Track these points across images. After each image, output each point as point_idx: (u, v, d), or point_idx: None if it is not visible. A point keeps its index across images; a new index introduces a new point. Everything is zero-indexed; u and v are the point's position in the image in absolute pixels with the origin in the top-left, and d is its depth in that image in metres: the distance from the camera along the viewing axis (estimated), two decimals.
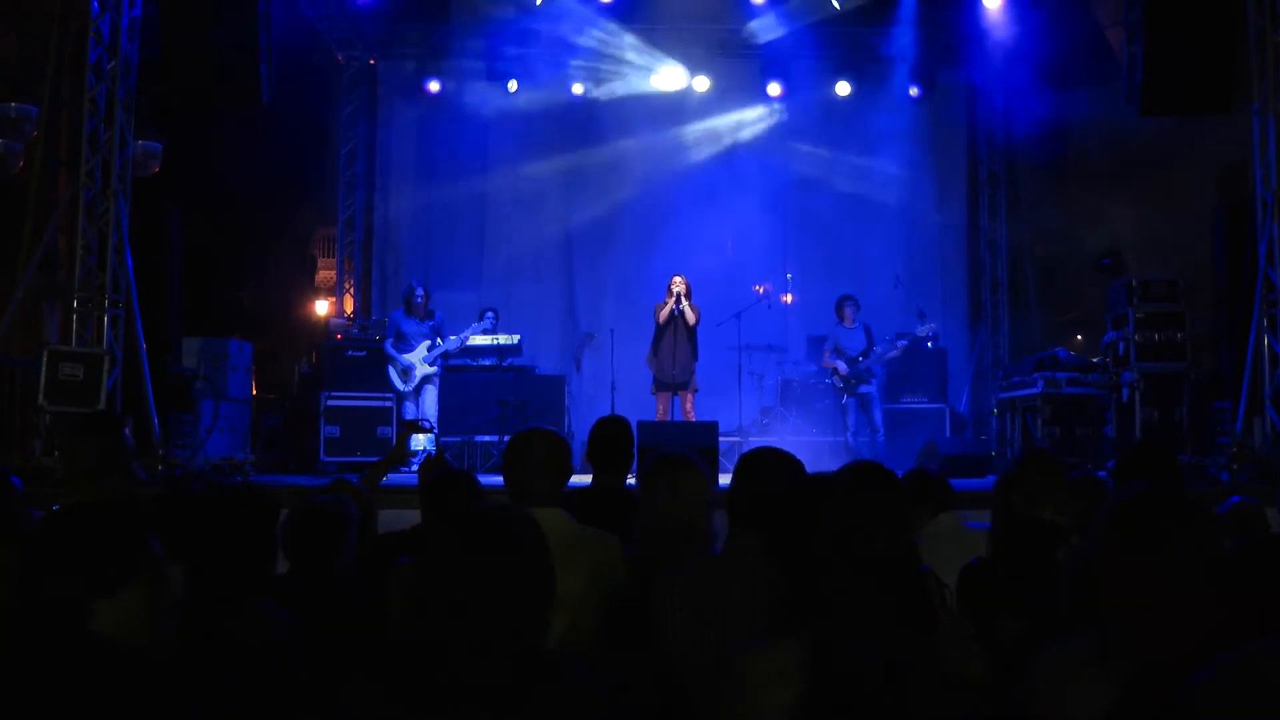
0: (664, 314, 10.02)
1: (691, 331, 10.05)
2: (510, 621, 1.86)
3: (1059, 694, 2.02)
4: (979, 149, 13.64)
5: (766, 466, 2.94)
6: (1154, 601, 1.92)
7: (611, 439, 4.46)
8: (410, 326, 10.22)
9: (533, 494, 3.30)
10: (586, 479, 4.51)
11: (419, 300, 10.26)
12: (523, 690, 1.86)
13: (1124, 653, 1.91)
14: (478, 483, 3.97)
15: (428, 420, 9.66)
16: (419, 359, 10.16)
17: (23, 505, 3.44)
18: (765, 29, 12.29)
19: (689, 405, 10.04)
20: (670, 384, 10.00)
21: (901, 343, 10.39)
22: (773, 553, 2.43)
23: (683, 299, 9.99)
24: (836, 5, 11.69)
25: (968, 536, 4.04)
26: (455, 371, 10.82)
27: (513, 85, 12.78)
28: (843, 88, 12.62)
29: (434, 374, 10.26)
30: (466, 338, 10.39)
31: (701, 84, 12.93)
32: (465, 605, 1.85)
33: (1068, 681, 2.01)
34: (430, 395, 10.25)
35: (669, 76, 12.88)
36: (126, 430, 3.67)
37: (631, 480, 4.40)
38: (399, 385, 10.19)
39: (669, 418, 9.90)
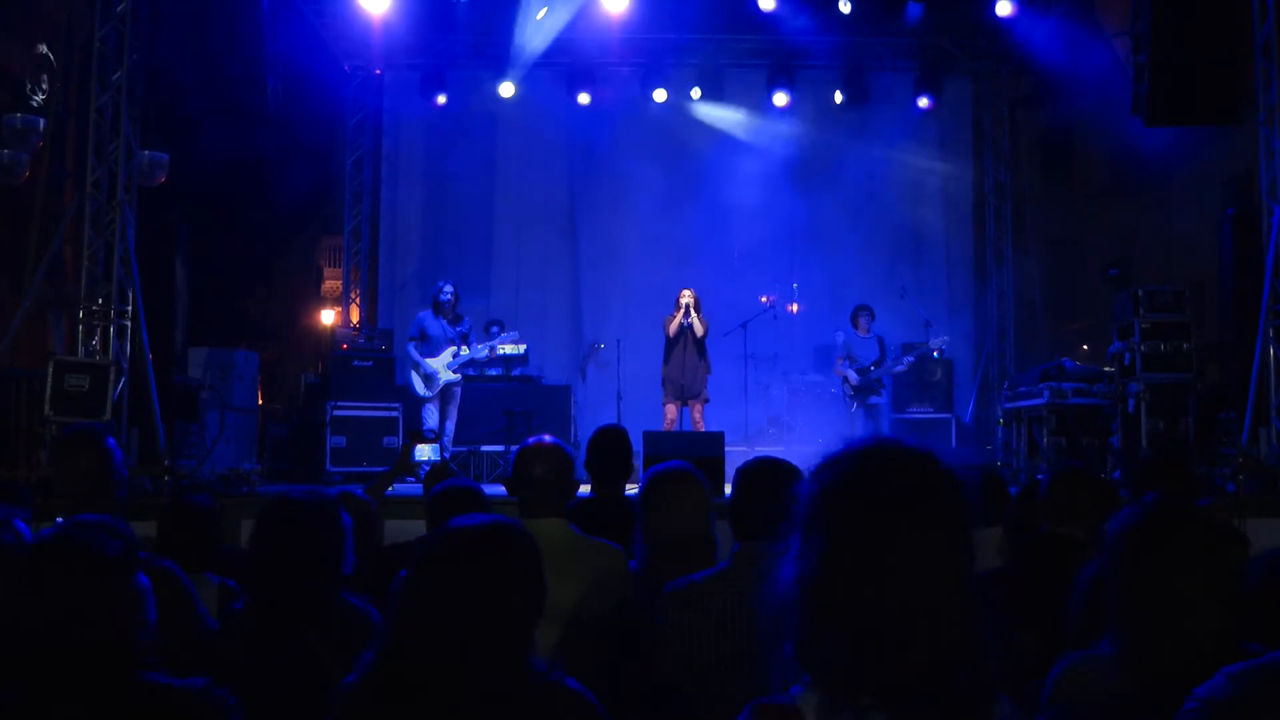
0: (673, 327, 10.12)
1: (700, 343, 10.13)
2: (496, 634, 1.87)
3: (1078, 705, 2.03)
4: (985, 159, 13.62)
5: (765, 476, 2.92)
6: (1173, 614, 1.92)
7: (610, 449, 4.46)
8: (437, 329, 9.83)
9: (539, 505, 3.29)
10: (585, 489, 4.52)
11: (446, 299, 9.87)
12: (510, 703, 1.86)
13: (1143, 664, 1.91)
14: (483, 495, 3.94)
15: (431, 431, 9.59)
16: (443, 364, 9.78)
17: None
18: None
19: (698, 415, 10.11)
20: (681, 395, 10.07)
21: (909, 358, 10.41)
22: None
23: (691, 311, 10.04)
24: (845, 10, 11.62)
25: None
26: (462, 381, 10.79)
27: (516, 92, 12.78)
28: (849, 97, 12.60)
29: (457, 383, 9.91)
30: (495, 347, 10.20)
31: (708, 93, 12.94)
32: (450, 618, 1.86)
33: (1087, 692, 2.02)
34: (453, 407, 9.94)
35: (675, 86, 12.88)
36: (110, 440, 3.59)
37: (632, 490, 4.39)
38: (420, 390, 9.81)
39: (679, 428, 9.91)
